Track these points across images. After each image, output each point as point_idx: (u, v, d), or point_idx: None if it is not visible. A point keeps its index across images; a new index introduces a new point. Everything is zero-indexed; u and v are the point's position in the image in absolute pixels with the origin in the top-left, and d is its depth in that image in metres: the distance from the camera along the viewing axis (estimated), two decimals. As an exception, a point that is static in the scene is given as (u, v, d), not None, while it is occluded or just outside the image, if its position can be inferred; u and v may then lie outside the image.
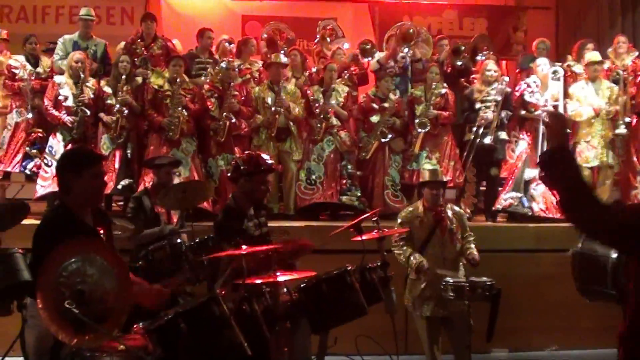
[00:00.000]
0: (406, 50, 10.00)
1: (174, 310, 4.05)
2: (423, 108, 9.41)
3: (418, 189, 9.15)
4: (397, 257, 6.65)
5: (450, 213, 6.78)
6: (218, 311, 3.97)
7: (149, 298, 4.32)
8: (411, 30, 10.12)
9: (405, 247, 6.65)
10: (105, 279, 3.76)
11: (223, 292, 4.16)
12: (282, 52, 9.96)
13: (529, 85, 9.40)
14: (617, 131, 9.44)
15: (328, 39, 10.80)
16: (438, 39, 10.89)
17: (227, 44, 9.97)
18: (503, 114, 9.21)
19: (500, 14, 14.86)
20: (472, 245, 6.74)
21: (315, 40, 11.13)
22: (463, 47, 10.44)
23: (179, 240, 6.26)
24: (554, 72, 9.37)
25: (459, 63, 10.21)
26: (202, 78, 9.42)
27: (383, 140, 9.36)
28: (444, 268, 6.50)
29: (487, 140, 9.09)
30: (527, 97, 9.35)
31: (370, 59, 10.28)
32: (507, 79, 9.58)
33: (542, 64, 9.45)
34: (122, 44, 9.76)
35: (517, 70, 11.05)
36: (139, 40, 9.67)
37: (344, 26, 11.75)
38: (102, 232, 4.30)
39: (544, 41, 10.35)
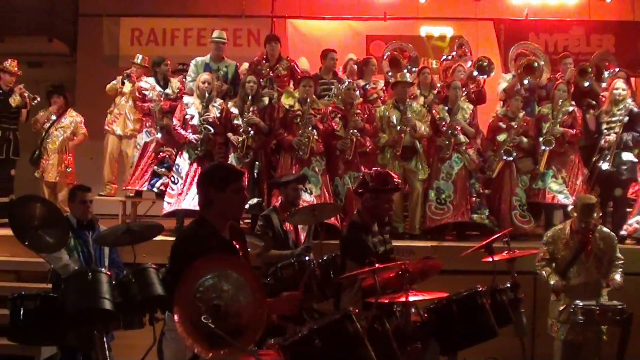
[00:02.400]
0: (526, 82, 9.82)
1: (308, 327, 4.06)
2: (549, 126, 9.23)
3: (548, 209, 9.00)
4: (539, 274, 6.65)
5: (598, 236, 6.61)
6: (352, 329, 3.96)
7: (281, 305, 4.40)
8: (535, 65, 9.89)
9: (547, 268, 6.61)
10: (241, 294, 3.82)
11: (356, 310, 4.14)
12: (405, 70, 9.94)
13: None
14: None
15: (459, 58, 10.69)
16: (562, 57, 10.66)
17: (354, 65, 10.02)
18: (629, 136, 8.91)
19: (629, 30, 14.38)
20: (617, 270, 6.55)
21: (448, 57, 11.03)
22: (590, 69, 10.11)
23: (307, 258, 6.30)
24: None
25: (586, 84, 9.90)
26: (326, 99, 9.49)
27: (508, 158, 9.20)
28: (585, 292, 6.36)
29: (605, 165, 8.83)
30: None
31: (486, 76, 10.10)
32: (630, 99, 9.21)
33: None
34: (246, 64, 9.97)
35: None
36: (263, 61, 9.86)
37: (470, 44, 11.61)
38: (237, 246, 4.38)
39: None
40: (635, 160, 9.08)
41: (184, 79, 10.09)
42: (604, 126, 9.01)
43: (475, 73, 10.01)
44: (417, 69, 10.32)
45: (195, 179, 8.91)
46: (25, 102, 10.13)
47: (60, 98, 10.46)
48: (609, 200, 9.25)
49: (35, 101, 10.26)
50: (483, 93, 10.25)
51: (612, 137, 8.87)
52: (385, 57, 10.57)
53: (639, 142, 9.11)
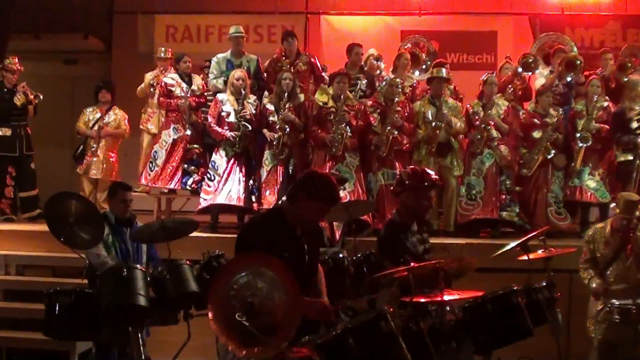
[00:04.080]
0: (569, 79, 9.70)
1: (343, 326, 4.06)
2: (585, 122, 9.12)
3: (584, 207, 8.90)
4: (582, 276, 6.63)
5: None
6: (386, 328, 3.96)
7: (315, 311, 4.39)
8: (578, 62, 9.75)
9: (590, 270, 6.59)
10: (275, 293, 3.83)
11: (392, 309, 4.13)
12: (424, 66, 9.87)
13: None
14: None
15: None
16: (602, 52, 10.52)
17: (374, 61, 9.93)
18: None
19: (666, 24, 14.21)
20: None
21: None
22: (630, 64, 9.96)
23: (341, 255, 6.29)
24: None
25: (626, 79, 9.75)
26: (352, 94, 9.42)
27: (547, 157, 9.12)
28: (625, 292, 6.32)
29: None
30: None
31: (530, 73, 10.02)
32: None
33: None
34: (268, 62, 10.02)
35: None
36: (283, 57, 9.86)
37: (505, 39, 11.58)
38: (307, 244, 4.51)
39: None
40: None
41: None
42: (635, 124, 8.86)
43: (520, 69, 9.88)
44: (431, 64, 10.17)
45: (232, 175, 9.00)
46: (30, 99, 10.21)
47: (108, 94, 10.49)
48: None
49: (39, 99, 10.32)
50: (529, 90, 10.18)
51: None
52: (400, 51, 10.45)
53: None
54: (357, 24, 13.64)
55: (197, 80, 10.13)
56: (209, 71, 10.00)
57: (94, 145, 10.32)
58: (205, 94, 10.01)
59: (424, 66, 10.13)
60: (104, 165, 10.34)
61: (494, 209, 9.05)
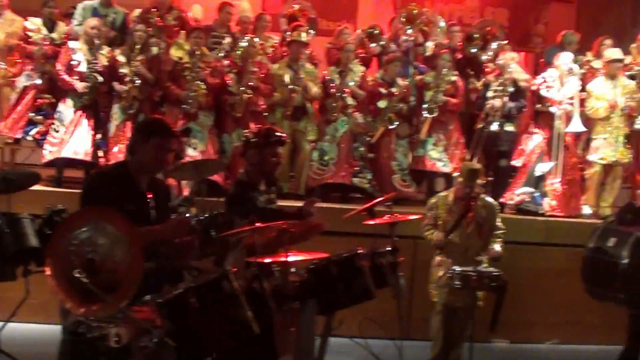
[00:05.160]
0: (409, 31, 9.88)
1: (185, 285, 4.02)
2: (432, 94, 9.37)
3: (429, 176, 9.20)
4: (426, 239, 6.77)
5: (481, 204, 6.76)
6: (228, 288, 3.94)
7: (170, 229, 4.45)
8: (415, 11, 9.97)
9: (431, 230, 6.74)
10: (117, 249, 3.75)
11: (235, 270, 4.11)
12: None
13: (545, 80, 9.29)
14: (636, 126, 9.37)
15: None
16: (450, 25, 10.84)
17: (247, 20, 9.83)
18: (512, 104, 9.14)
19: (522, 5, 14.79)
20: (497, 240, 6.72)
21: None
22: (477, 35, 10.30)
23: (187, 215, 6.20)
24: (569, 69, 9.24)
25: (473, 50, 10.09)
26: (214, 52, 9.29)
27: (390, 127, 9.29)
28: (465, 259, 6.52)
29: (494, 127, 9.03)
30: (543, 92, 9.25)
31: (376, 44, 10.17)
32: (514, 67, 9.41)
33: (564, 58, 9.32)
34: (137, 11, 9.66)
35: (541, 61, 10.90)
36: (153, 9, 9.58)
37: (366, 8, 11.66)
38: (151, 197, 4.46)
39: (573, 34, 10.26)
40: (515, 130, 9.34)
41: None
42: (490, 93, 9.19)
43: (365, 39, 10.05)
44: (314, 32, 10.19)
45: (79, 128, 8.68)
46: None
47: None
48: (489, 170, 9.52)
49: None
50: (371, 59, 10.34)
51: (498, 102, 9.07)
52: (283, 14, 10.44)
53: (521, 113, 9.36)
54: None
55: (62, 28, 9.66)
56: (73, 17, 9.56)
57: None
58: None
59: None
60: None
61: (346, 175, 9.20)
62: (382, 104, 9.31)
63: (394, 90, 9.30)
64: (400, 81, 9.40)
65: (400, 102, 9.34)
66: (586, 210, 9.27)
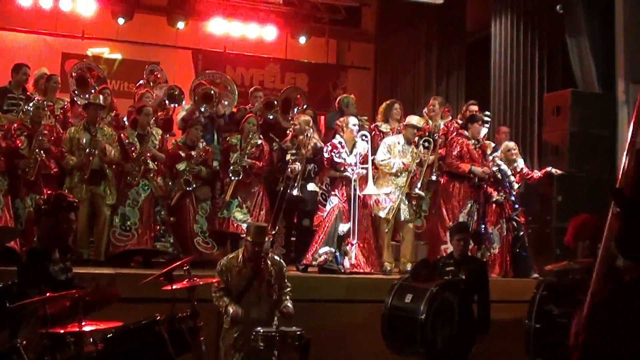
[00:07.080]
0: (203, 109, 10.03)
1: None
2: (237, 156, 9.51)
3: (233, 238, 9.25)
4: (217, 305, 6.68)
5: (270, 263, 6.84)
6: (17, 362, 3.78)
7: None
8: (212, 92, 10.15)
9: (224, 297, 6.69)
10: None
11: (24, 342, 3.94)
12: (93, 91, 9.74)
13: (334, 147, 9.44)
14: (417, 190, 9.74)
15: (151, 84, 10.75)
16: (253, 90, 11.16)
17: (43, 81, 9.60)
18: (311, 166, 9.38)
19: (321, 71, 15.41)
20: (288, 298, 6.82)
21: (139, 84, 11.03)
22: (276, 102, 10.59)
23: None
24: (363, 135, 9.55)
25: (271, 117, 10.38)
26: (14, 114, 8.99)
27: (187, 189, 9.31)
28: (259, 318, 6.54)
29: (295, 192, 9.23)
30: (335, 159, 9.42)
31: (176, 104, 10.25)
32: (309, 131, 9.56)
33: (350, 122, 9.54)
34: None
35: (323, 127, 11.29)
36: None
37: (167, 72, 11.69)
38: None
39: (347, 96, 10.78)
40: (316, 190, 9.56)
41: None
42: (288, 156, 9.38)
43: (166, 101, 10.13)
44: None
45: None
46: None
47: None
48: (292, 230, 9.69)
49: None
50: (172, 121, 10.40)
51: (298, 166, 9.26)
52: (72, 75, 10.25)
53: (318, 174, 9.58)
54: (17, 41, 13.23)
55: None
56: None
57: None
58: None
59: (92, 91, 9.84)
60: None
61: (148, 240, 9.05)
62: (180, 166, 9.31)
63: (193, 153, 9.33)
64: (201, 145, 9.46)
65: (200, 165, 9.37)
66: (386, 266, 9.55)
